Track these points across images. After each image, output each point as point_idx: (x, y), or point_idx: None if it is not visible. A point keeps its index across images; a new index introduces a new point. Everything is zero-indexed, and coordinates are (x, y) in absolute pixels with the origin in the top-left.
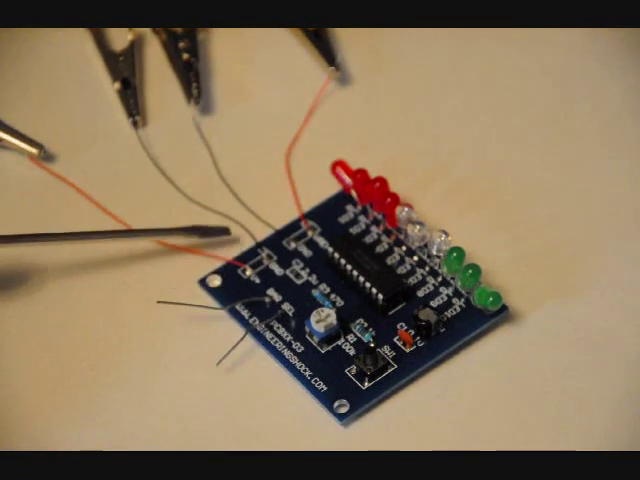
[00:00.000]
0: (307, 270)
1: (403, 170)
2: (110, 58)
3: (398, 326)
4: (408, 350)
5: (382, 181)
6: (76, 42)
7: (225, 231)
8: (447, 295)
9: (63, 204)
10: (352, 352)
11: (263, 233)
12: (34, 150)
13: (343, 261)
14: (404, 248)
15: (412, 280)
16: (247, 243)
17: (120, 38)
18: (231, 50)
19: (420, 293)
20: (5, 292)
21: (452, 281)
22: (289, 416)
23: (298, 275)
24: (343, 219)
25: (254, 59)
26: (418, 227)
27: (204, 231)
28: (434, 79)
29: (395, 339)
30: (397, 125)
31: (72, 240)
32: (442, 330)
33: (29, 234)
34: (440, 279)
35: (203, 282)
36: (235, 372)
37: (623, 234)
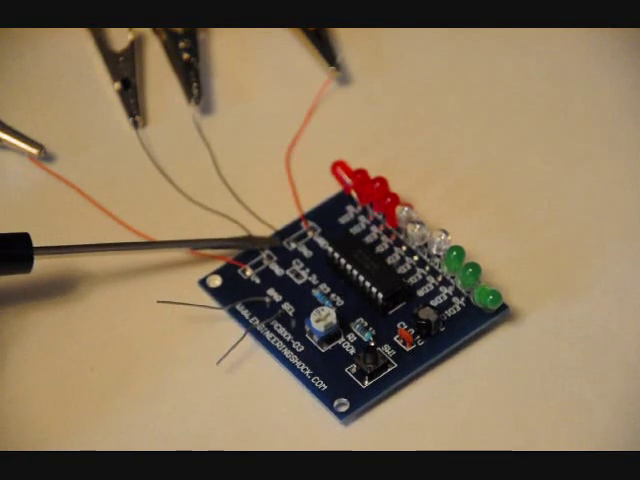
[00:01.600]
0: (307, 270)
1: (403, 170)
2: (110, 58)
3: (398, 325)
4: (408, 349)
5: (382, 181)
6: (76, 42)
7: (274, 241)
8: (447, 294)
9: (63, 204)
10: (352, 351)
11: (263, 233)
12: (34, 150)
13: (343, 261)
14: (404, 248)
15: (412, 279)
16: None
17: (120, 38)
18: (231, 50)
19: (420, 292)
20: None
21: (452, 280)
22: (289, 415)
23: (298, 275)
24: (343, 219)
25: (254, 59)
26: (418, 226)
27: (253, 242)
28: (434, 79)
29: (395, 338)
30: (397, 125)
31: (114, 251)
32: (442, 329)
33: (71, 245)
34: (440, 278)
35: (203, 282)
36: (235, 372)
37: (623, 234)
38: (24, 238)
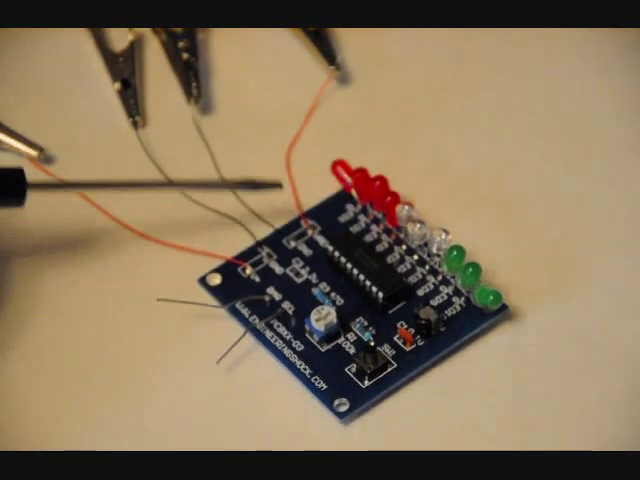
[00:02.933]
0: (307, 269)
1: (403, 169)
2: (110, 58)
3: (398, 325)
4: (408, 349)
5: (382, 180)
6: (76, 42)
7: (277, 185)
8: (447, 294)
9: (63, 205)
10: (352, 351)
11: (263, 232)
12: (34, 152)
13: (343, 259)
14: (404, 247)
15: (412, 279)
16: (247, 242)
17: (120, 38)
18: (231, 50)
19: (420, 292)
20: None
21: (452, 280)
22: (289, 415)
23: (298, 274)
24: (343, 218)
25: (254, 59)
26: (418, 226)
27: (255, 185)
28: (434, 79)
29: (395, 337)
30: (397, 125)
31: (107, 189)
32: (442, 329)
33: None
34: (440, 278)
35: (203, 281)
36: (235, 371)
37: (623, 234)
38: (17, 172)
